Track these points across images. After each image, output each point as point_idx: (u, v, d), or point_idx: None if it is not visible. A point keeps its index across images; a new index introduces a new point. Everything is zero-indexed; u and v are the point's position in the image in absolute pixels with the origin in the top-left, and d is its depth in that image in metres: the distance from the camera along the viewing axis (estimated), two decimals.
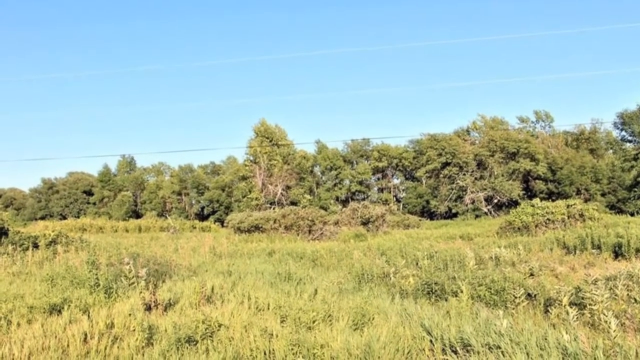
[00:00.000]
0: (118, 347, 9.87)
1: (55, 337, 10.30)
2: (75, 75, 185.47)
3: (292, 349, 9.27)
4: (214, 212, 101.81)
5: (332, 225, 46.69)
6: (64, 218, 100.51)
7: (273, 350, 9.37)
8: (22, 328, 11.18)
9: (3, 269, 21.71)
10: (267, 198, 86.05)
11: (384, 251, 25.87)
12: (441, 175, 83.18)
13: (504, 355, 8.52)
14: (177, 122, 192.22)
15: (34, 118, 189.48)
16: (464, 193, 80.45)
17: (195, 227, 75.96)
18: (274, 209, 66.05)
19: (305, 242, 38.53)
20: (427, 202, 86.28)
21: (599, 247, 24.07)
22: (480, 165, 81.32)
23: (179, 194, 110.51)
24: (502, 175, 78.99)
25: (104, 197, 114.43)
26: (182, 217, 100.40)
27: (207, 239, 36.71)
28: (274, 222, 45.40)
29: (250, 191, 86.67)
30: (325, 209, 71.35)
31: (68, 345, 9.90)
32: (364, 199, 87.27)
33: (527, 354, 8.47)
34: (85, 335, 10.40)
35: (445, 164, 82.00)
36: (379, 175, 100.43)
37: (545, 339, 8.94)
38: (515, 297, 13.01)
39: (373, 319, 11.39)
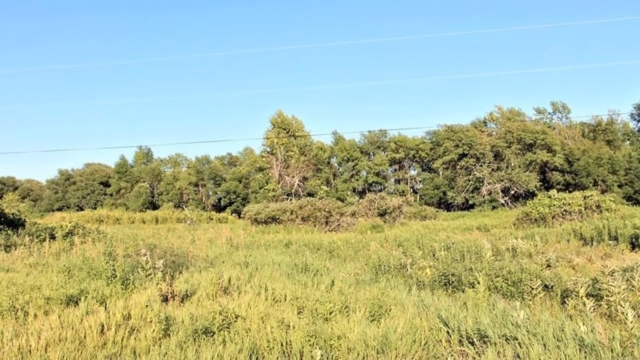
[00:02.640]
0: (135, 338, 9.87)
1: (72, 328, 10.33)
2: (91, 66, 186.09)
3: (309, 340, 9.24)
4: (230, 204, 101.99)
5: (349, 217, 46.75)
6: (81, 209, 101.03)
7: (290, 341, 9.35)
8: (39, 319, 11.22)
9: (20, 260, 21.85)
10: (284, 189, 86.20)
11: (401, 242, 25.85)
12: (458, 167, 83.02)
13: (520, 347, 8.49)
14: (194, 113, 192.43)
15: (50, 109, 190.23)
16: (481, 184, 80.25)
17: (212, 219, 76.24)
18: (290, 200, 66.08)
19: (322, 233, 38.53)
20: (444, 193, 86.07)
21: (615, 239, 24.04)
22: (497, 156, 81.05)
23: (196, 185, 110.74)
24: (519, 167, 78.71)
25: (121, 189, 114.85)
26: (199, 208, 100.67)
27: (224, 230, 36.77)
28: (291, 213, 45.47)
29: (267, 182, 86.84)
30: (342, 200, 71.25)
31: (85, 337, 9.92)
32: (380, 190, 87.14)
33: (544, 345, 8.44)
34: (102, 326, 10.43)
35: (462, 155, 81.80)
36: (396, 166, 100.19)
37: (562, 331, 8.92)
38: (532, 289, 12.95)
39: (390, 310, 11.37)
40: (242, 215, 61.11)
